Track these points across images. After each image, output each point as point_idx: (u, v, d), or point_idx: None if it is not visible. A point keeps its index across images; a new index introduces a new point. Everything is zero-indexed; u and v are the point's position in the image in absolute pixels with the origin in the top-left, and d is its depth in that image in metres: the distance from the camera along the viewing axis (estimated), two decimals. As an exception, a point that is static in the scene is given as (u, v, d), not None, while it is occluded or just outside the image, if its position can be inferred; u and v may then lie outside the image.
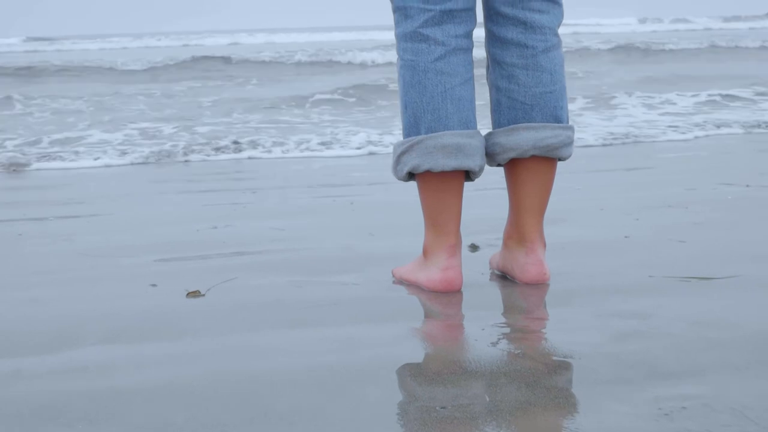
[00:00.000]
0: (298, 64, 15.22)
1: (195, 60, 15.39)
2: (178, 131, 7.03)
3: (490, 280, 2.35)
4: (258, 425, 1.46)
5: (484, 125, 2.57)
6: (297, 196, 4.10)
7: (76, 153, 5.99)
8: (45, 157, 5.83)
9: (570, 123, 2.26)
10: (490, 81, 2.26)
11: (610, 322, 1.93)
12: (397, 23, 2.21)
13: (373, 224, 3.19)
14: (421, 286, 2.26)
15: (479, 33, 2.28)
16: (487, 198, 3.52)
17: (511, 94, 2.21)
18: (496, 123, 2.25)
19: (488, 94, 2.28)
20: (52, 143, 6.50)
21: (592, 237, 2.84)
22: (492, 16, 2.22)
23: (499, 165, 2.27)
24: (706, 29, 36.22)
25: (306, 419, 1.47)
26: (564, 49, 2.42)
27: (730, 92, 8.74)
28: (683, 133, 6.29)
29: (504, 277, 2.35)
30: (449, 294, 2.20)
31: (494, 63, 2.24)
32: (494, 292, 2.25)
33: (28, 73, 14.07)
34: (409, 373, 1.68)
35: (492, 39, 2.24)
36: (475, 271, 2.42)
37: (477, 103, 2.23)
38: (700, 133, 6.26)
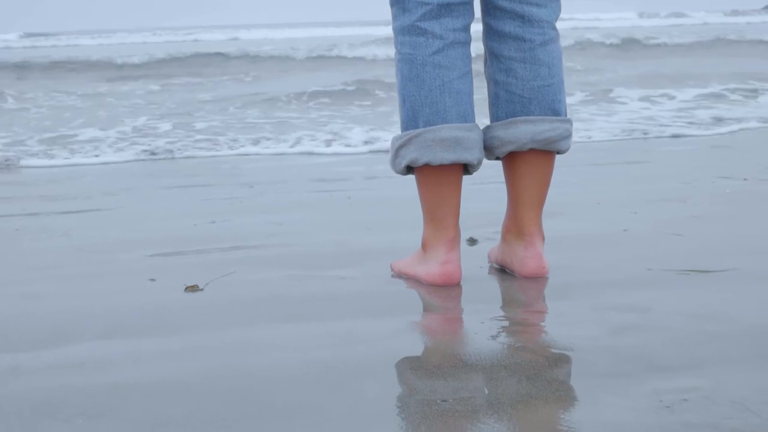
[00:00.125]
0: (297, 59, 15.20)
1: (193, 56, 15.36)
2: (175, 127, 7.02)
3: (489, 273, 2.35)
4: (256, 421, 1.45)
5: (482, 120, 2.56)
6: (295, 190, 4.09)
7: (73, 149, 5.99)
8: (42, 153, 5.82)
9: (568, 116, 2.25)
10: (488, 74, 2.26)
11: (609, 315, 1.93)
12: (394, 17, 2.20)
13: (371, 219, 3.19)
14: (420, 280, 2.25)
15: (477, 27, 2.28)
16: (485, 192, 3.51)
17: (509, 88, 2.21)
18: (494, 116, 2.25)
19: (486, 88, 2.28)
20: (50, 139, 6.50)
21: (590, 230, 2.84)
22: (490, 9, 2.22)
23: (497, 158, 2.27)
24: (704, 24, 36.26)
25: (305, 414, 1.47)
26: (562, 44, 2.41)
27: (730, 86, 8.74)
28: (682, 127, 6.29)
29: (503, 270, 2.35)
30: (448, 288, 2.20)
31: (492, 56, 2.24)
32: (493, 286, 2.24)
33: (22, 68, 14.04)
34: (409, 366, 1.68)
35: (490, 32, 2.23)
36: (474, 264, 2.42)
37: (475, 97, 2.22)
38: (700, 128, 6.26)
